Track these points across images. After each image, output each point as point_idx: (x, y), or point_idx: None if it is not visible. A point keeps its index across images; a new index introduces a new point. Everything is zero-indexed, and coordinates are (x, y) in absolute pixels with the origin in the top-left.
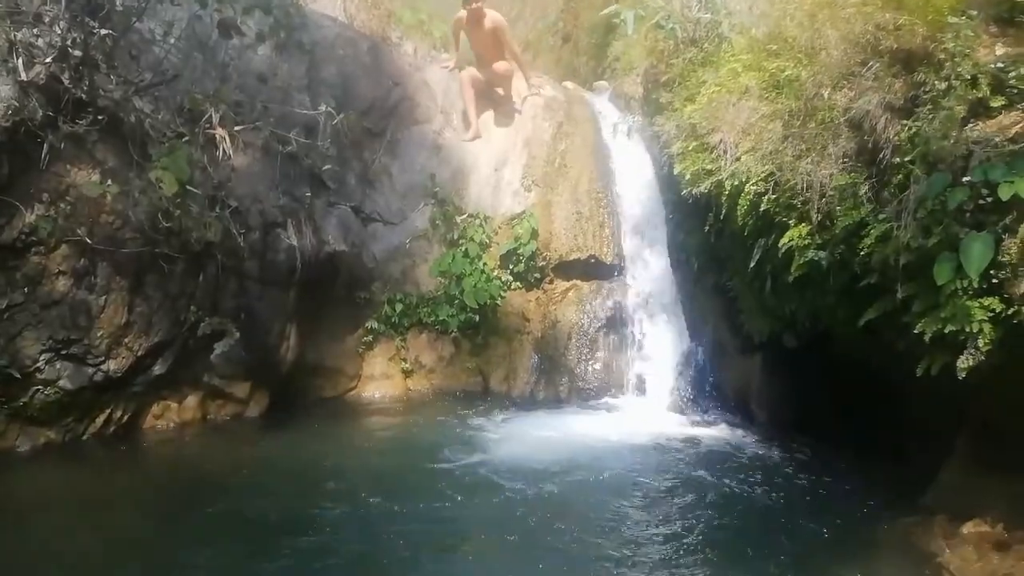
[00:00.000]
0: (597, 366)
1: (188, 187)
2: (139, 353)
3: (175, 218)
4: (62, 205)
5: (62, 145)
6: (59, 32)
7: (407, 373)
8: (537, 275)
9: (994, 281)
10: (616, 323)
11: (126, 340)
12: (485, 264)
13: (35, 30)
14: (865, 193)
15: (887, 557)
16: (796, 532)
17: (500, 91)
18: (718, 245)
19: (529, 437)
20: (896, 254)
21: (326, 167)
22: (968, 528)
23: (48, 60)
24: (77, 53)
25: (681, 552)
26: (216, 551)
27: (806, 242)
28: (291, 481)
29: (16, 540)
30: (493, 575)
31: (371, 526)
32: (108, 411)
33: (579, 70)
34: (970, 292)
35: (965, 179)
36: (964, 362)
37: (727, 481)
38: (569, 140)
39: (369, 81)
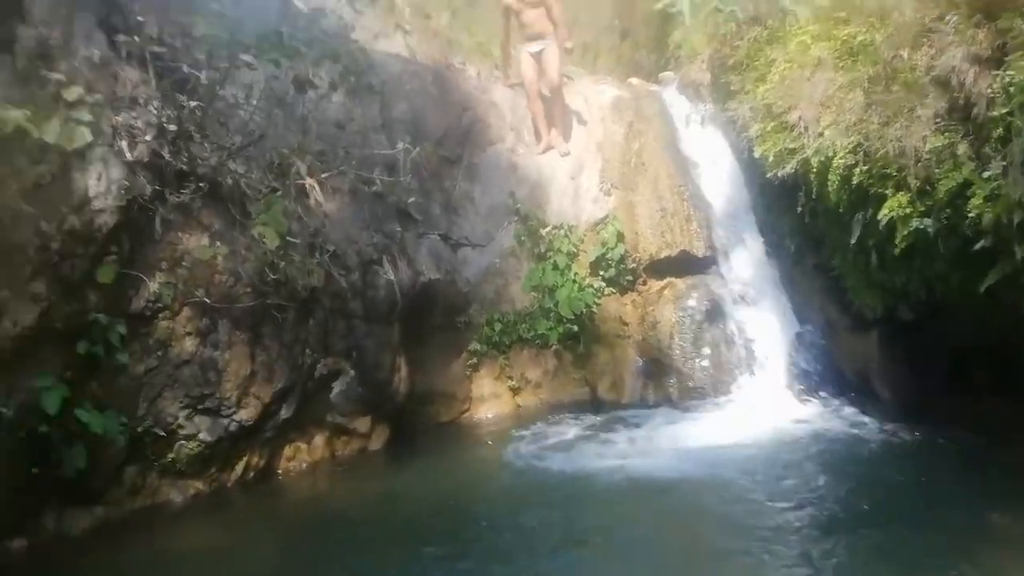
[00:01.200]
0: (704, 362)
1: (288, 238)
2: (266, 400)
3: (280, 269)
4: (179, 271)
5: (171, 215)
6: (154, 111)
7: (515, 390)
8: (629, 277)
9: None
10: (717, 315)
11: (252, 389)
12: (576, 273)
13: (132, 112)
14: (964, 152)
15: None
16: (951, 520)
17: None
18: (812, 224)
19: (644, 449)
20: (1008, 213)
21: (411, 200)
22: None
23: (148, 138)
24: (172, 128)
25: (833, 547)
26: None
27: (908, 211)
28: (412, 513)
29: None
30: None
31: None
32: (246, 458)
33: (642, 64)
34: None
35: None
36: None
37: (865, 470)
38: (642, 138)
39: (439, 110)
